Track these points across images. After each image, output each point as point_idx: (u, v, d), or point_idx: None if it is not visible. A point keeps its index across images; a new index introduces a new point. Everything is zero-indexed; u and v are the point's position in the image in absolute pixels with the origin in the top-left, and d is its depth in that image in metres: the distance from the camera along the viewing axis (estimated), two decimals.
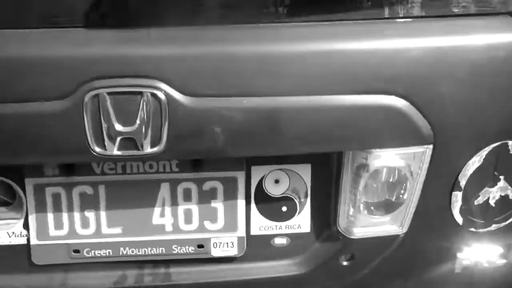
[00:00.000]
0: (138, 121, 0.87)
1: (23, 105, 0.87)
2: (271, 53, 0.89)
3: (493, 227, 1.06)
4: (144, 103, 0.86)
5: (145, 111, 0.87)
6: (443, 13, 0.96)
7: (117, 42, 0.88)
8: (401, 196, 1.00)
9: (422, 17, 0.95)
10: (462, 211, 1.03)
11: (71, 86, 0.86)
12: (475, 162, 0.99)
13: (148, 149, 0.89)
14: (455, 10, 0.95)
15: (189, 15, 0.91)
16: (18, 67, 0.86)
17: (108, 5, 0.89)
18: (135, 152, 0.89)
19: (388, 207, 1.01)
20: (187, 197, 1.00)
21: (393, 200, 1.01)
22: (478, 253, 1.08)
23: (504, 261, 1.10)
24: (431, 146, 0.95)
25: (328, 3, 0.93)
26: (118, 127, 0.87)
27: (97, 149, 0.88)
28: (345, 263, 1.05)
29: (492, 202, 1.04)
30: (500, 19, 0.96)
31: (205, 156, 0.95)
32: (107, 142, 0.88)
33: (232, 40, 0.90)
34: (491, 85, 0.95)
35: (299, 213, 1.04)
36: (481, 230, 1.06)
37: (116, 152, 0.88)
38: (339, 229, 1.03)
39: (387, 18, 0.94)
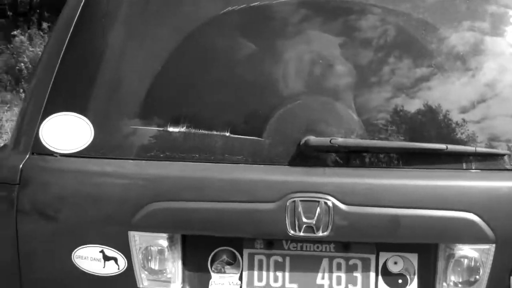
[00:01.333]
0: (316, 217, 1.53)
1: (252, 203, 1.57)
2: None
3: None
4: (320, 207, 1.53)
5: (320, 211, 1.53)
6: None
7: (306, 174, 1.57)
8: (477, 276, 1.56)
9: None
10: None
11: (280, 196, 1.55)
12: None
13: (319, 234, 1.53)
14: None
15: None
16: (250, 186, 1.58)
17: (299, 154, 1.60)
18: (312, 235, 1.54)
19: (468, 284, 1.57)
20: (338, 268, 1.62)
21: (470, 279, 1.57)
22: None
23: None
24: (494, 245, 1.53)
25: None
26: (304, 219, 1.53)
27: (291, 232, 1.54)
28: None
29: None
30: None
31: (351, 240, 1.59)
32: (297, 228, 1.54)
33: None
34: None
35: (409, 285, 1.62)
36: None
37: (302, 234, 1.54)
38: None
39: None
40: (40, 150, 1.69)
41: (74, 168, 1.67)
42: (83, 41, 1.78)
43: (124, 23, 1.84)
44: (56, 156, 1.68)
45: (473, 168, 1.59)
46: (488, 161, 1.60)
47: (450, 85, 1.69)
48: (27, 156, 1.69)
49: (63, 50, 1.76)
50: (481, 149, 1.58)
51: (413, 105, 1.65)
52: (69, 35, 1.77)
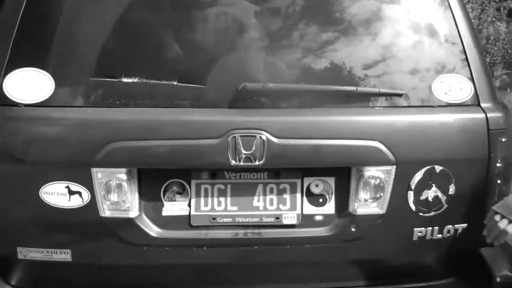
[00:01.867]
0: (253, 148, 1.85)
1: (198, 140, 1.87)
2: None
3: (432, 213, 1.99)
4: (256, 141, 1.85)
5: (256, 144, 1.85)
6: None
7: (245, 114, 1.89)
8: (381, 193, 1.94)
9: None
10: (413, 203, 1.97)
11: (222, 132, 1.86)
12: (419, 176, 1.95)
13: (256, 163, 1.86)
14: None
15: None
16: (199, 126, 1.88)
17: (238, 98, 1.91)
18: (250, 164, 1.86)
19: (375, 199, 1.95)
20: (271, 192, 1.95)
21: (376, 196, 1.95)
22: (427, 228, 2.00)
23: (440, 235, 2.01)
24: (394, 166, 1.92)
25: None
26: (243, 151, 1.85)
27: (233, 162, 1.85)
28: (353, 229, 1.97)
29: (429, 198, 1.97)
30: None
31: (282, 167, 1.92)
32: (237, 158, 1.85)
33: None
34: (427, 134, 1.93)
35: (328, 203, 1.98)
36: (426, 215, 1.99)
37: (241, 163, 1.86)
38: (349, 210, 1.97)
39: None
40: (5, 101, 1.90)
41: (39, 116, 1.90)
42: (41, 3, 1.99)
43: None
44: (21, 107, 1.90)
45: (377, 105, 1.97)
46: (388, 100, 1.98)
47: (360, 43, 2.05)
48: None
49: (22, 11, 1.96)
50: (383, 90, 1.96)
51: (333, 57, 2.00)
52: None
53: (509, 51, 9.62)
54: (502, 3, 10.67)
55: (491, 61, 9.27)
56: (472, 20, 9.61)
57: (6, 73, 1.92)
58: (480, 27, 9.53)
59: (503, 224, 1.80)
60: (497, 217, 1.81)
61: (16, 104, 1.90)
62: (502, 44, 9.37)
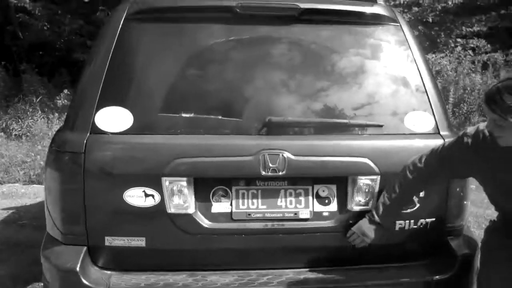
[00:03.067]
0: (277, 163, 2.59)
1: (237, 157, 2.61)
2: None
3: (408, 210, 2.72)
4: (279, 158, 2.60)
5: (279, 160, 2.60)
6: None
7: (271, 139, 2.64)
8: (370, 195, 2.68)
9: None
10: None
11: (255, 152, 2.60)
12: None
13: (279, 173, 2.60)
14: None
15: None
16: (238, 148, 2.63)
17: (266, 127, 2.67)
18: (275, 174, 2.60)
19: (366, 200, 2.68)
20: (290, 195, 2.68)
21: (367, 199, 2.68)
22: (405, 221, 2.74)
23: (415, 226, 2.73)
24: (379, 176, 2.67)
25: None
26: (270, 165, 2.59)
27: (263, 173, 2.60)
28: (351, 222, 2.67)
29: None
30: None
31: (298, 176, 2.66)
32: (266, 170, 2.59)
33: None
34: None
35: (332, 203, 2.71)
36: (403, 211, 2.72)
37: (269, 173, 2.60)
38: (348, 208, 2.69)
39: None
40: (96, 130, 2.64)
41: (122, 141, 2.64)
42: (123, 56, 2.76)
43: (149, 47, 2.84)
44: (108, 134, 2.64)
45: (365, 133, 2.74)
46: (373, 129, 2.74)
47: (353, 90, 2.84)
48: (88, 134, 2.63)
49: (108, 63, 2.72)
50: (369, 122, 2.74)
51: (333, 99, 2.79)
52: (111, 52, 2.73)
53: None
54: (477, 56, 11.69)
55: (468, 109, 10.16)
56: (449, 72, 10.61)
57: (97, 109, 2.66)
58: (457, 78, 10.45)
59: (358, 240, 2.66)
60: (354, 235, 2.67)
61: (105, 133, 2.64)
62: (477, 94, 10.27)
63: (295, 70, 2.85)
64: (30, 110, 9.92)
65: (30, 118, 9.68)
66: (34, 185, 7.37)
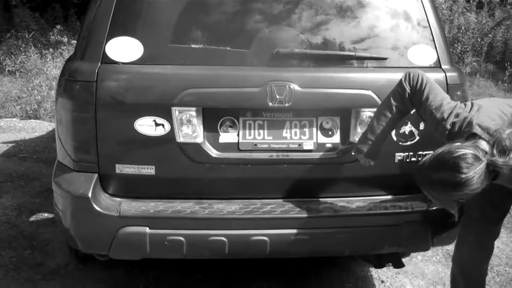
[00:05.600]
0: (284, 94, 2.67)
1: (245, 88, 2.68)
2: None
3: (408, 143, 2.83)
4: (286, 89, 2.67)
5: (286, 91, 2.67)
6: None
7: (278, 70, 2.71)
8: None
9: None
10: (395, 135, 2.81)
11: (263, 83, 2.67)
12: None
13: (286, 105, 2.68)
14: None
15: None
16: (246, 78, 2.70)
17: (274, 59, 2.73)
18: (281, 105, 2.68)
19: None
20: (295, 127, 2.77)
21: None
22: (405, 153, 2.85)
23: (414, 159, 2.85)
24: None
25: None
26: (277, 96, 2.67)
27: (270, 104, 2.67)
28: (353, 153, 2.77)
29: (406, 132, 2.81)
30: None
31: (303, 108, 2.74)
32: (273, 100, 2.67)
33: None
34: None
35: (335, 135, 2.82)
36: (403, 144, 2.83)
37: (276, 105, 2.68)
38: (350, 140, 2.80)
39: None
40: (107, 60, 2.69)
41: (133, 71, 2.69)
42: None
43: None
44: (119, 64, 2.69)
45: (370, 66, 2.81)
46: (377, 62, 2.81)
47: (361, 26, 2.89)
48: (99, 64, 2.68)
49: None
50: (374, 55, 2.80)
51: (341, 33, 2.85)
52: None
53: (479, 40, 10.56)
54: None
55: (462, 49, 10.21)
56: (444, 11, 10.57)
57: (107, 39, 2.70)
58: (451, 17, 10.45)
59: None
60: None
61: (116, 62, 2.69)
62: (472, 33, 10.30)
63: (303, 3, 2.88)
64: (23, 46, 9.84)
65: (23, 54, 9.61)
66: (32, 120, 7.42)
